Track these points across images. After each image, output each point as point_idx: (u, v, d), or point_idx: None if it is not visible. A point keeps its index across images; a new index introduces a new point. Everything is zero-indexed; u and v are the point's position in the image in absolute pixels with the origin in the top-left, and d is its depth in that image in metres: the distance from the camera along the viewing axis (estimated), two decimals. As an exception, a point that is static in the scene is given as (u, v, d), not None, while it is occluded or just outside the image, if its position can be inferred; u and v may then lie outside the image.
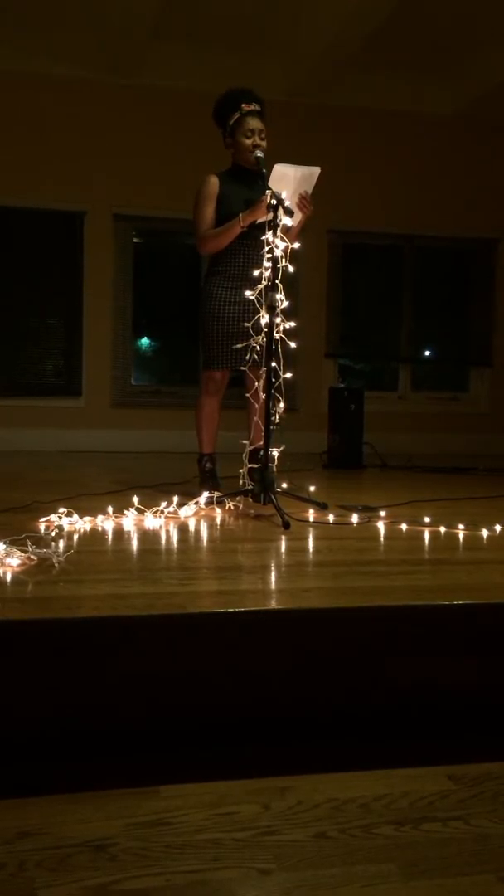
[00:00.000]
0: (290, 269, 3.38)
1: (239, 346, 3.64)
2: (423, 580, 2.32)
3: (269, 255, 3.33)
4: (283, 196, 3.32)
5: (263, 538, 2.96)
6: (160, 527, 3.11)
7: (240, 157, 3.80)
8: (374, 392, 7.31)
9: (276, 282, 3.32)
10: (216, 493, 3.53)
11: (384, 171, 7.52)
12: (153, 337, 7.84)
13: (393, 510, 3.49)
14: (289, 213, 3.29)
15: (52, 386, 7.14)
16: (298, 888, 1.33)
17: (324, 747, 1.83)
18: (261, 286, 3.36)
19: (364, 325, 7.98)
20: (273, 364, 3.30)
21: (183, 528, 3.12)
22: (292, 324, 3.39)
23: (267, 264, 3.34)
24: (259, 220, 3.58)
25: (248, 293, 3.44)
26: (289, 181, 3.42)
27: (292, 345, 3.36)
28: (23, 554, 2.40)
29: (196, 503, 3.41)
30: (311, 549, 2.80)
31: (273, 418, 3.33)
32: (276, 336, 3.33)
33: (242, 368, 3.70)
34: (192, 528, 3.14)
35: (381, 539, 2.97)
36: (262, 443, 3.36)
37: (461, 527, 3.13)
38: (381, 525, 3.21)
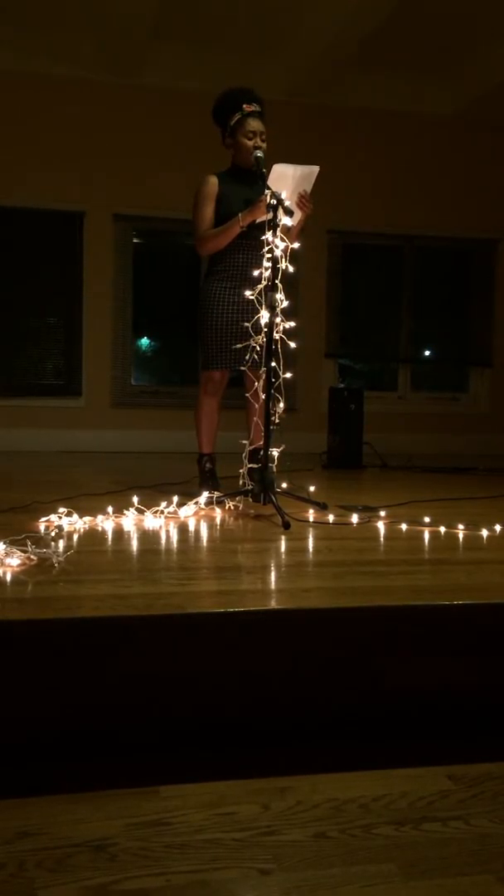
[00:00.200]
0: (290, 269, 3.37)
1: (238, 346, 3.64)
2: (423, 580, 2.31)
3: (269, 255, 3.33)
4: (283, 195, 3.32)
5: (263, 538, 2.96)
6: (160, 527, 3.11)
7: (239, 158, 3.80)
8: (373, 392, 7.32)
9: (276, 282, 3.32)
10: (216, 493, 3.53)
11: (384, 171, 7.53)
12: (153, 337, 7.84)
13: (393, 510, 3.49)
14: (288, 212, 3.29)
15: (51, 386, 7.14)
16: (298, 888, 1.33)
17: (323, 747, 1.83)
18: (260, 286, 3.36)
19: (364, 325, 7.98)
20: (273, 364, 3.30)
21: (183, 529, 3.12)
22: (292, 324, 3.39)
23: (267, 264, 3.34)
24: (259, 220, 3.58)
25: (247, 293, 3.44)
26: (288, 180, 3.42)
27: (292, 345, 3.36)
28: (23, 554, 2.40)
29: (196, 503, 3.41)
30: (310, 549, 2.80)
31: (273, 418, 3.33)
32: (276, 336, 3.33)
33: (242, 368, 3.70)
34: (191, 528, 3.14)
35: (381, 539, 2.97)
36: (261, 443, 3.36)
37: (461, 527, 3.13)
38: (380, 525, 3.21)
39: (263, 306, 3.33)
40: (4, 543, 2.44)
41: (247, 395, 3.80)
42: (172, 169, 6.69)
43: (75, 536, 2.88)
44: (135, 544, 2.80)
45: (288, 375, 3.35)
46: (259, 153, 3.67)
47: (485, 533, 3.05)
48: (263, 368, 3.38)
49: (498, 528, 3.11)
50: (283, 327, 3.36)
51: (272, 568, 2.50)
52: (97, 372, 7.14)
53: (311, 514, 3.37)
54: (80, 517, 3.09)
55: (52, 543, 2.65)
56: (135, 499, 3.34)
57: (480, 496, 4.14)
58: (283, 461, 3.47)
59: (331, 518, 3.35)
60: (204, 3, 6.03)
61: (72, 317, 7.13)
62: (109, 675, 1.81)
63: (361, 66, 6.83)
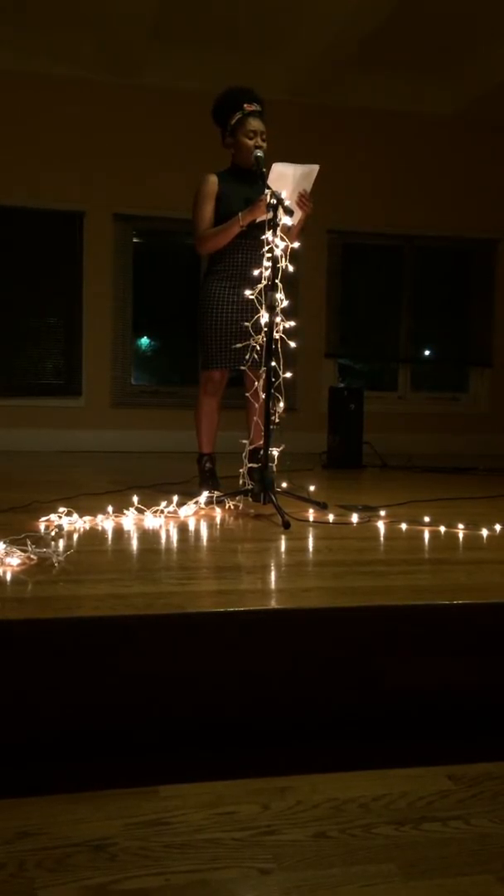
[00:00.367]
0: (290, 268, 3.37)
1: (238, 345, 3.63)
2: (422, 580, 2.31)
3: (269, 255, 3.33)
4: (283, 195, 3.32)
5: (263, 538, 2.96)
6: (160, 526, 3.11)
7: (240, 157, 3.80)
8: (373, 392, 7.32)
9: (276, 281, 3.32)
10: (216, 493, 3.53)
11: (384, 171, 7.53)
12: (153, 337, 7.84)
13: (393, 510, 3.49)
14: (288, 212, 3.28)
15: (51, 386, 7.14)
16: (298, 888, 1.33)
17: (323, 747, 1.83)
18: (260, 286, 3.36)
19: (364, 324, 7.98)
20: (273, 364, 3.30)
21: (183, 528, 3.11)
22: (292, 323, 3.39)
23: (267, 263, 3.33)
24: (259, 219, 3.57)
25: (247, 292, 3.44)
26: (288, 180, 3.41)
27: (292, 344, 3.36)
28: (23, 553, 2.40)
29: (196, 503, 3.41)
30: (310, 548, 2.80)
31: (273, 418, 3.33)
32: (276, 336, 3.33)
33: (242, 368, 3.70)
34: (191, 527, 3.14)
35: (381, 539, 2.97)
36: (261, 442, 3.35)
37: (461, 527, 3.13)
38: (380, 525, 3.21)
39: (263, 306, 3.33)
40: (4, 543, 2.44)
41: (247, 394, 3.80)
42: (172, 169, 6.69)
43: (75, 536, 2.88)
44: (135, 544, 2.80)
45: (288, 375, 3.35)
46: (259, 153, 3.67)
47: (485, 533, 3.05)
48: (263, 368, 3.38)
49: (498, 527, 3.11)
50: (283, 327, 3.36)
51: (272, 567, 2.50)
52: (97, 372, 7.14)
53: (311, 514, 3.37)
54: (80, 517, 3.09)
55: (52, 543, 2.65)
56: (135, 498, 3.34)
57: (480, 496, 4.14)
58: (283, 461, 3.47)
59: (331, 518, 3.35)
60: (204, 3, 6.03)
61: (72, 316, 7.13)
62: (109, 675, 1.81)
63: (361, 66, 6.83)
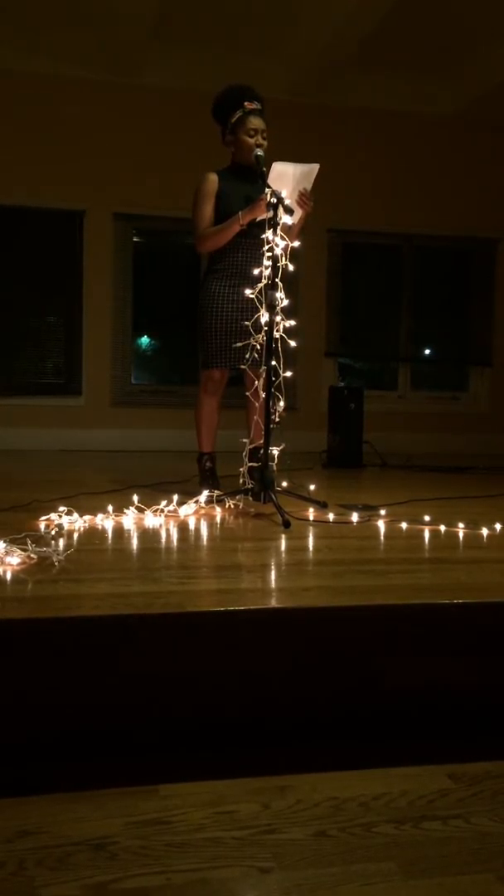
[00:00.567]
0: (290, 267, 3.37)
1: (238, 344, 3.63)
2: (423, 579, 2.31)
3: (269, 254, 3.33)
4: (283, 194, 3.32)
5: (263, 537, 2.96)
6: (160, 525, 3.11)
7: (240, 156, 3.79)
8: (373, 391, 7.32)
9: (276, 280, 3.32)
10: (216, 492, 3.53)
11: (384, 171, 7.53)
12: (153, 336, 7.84)
13: (393, 509, 3.49)
14: (289, 211, 3.28)
15: (51, 385, 7.14)
16: (298, 887, 1.33)
17: (323, 746, 1.83)
18: (261, 285, 3.36)
19: (364, 324, 7.98)
20: (273, 363, 3.30)
21: (183, 527, 3.11)
22: (292, 322, 3.39)
23: (267, 263, 3.33)
24: (259, 218, 3.57)
25: (247, 292, 3.44)
26: (288, 179, 3.41)
27: (292, 344, 3.36)
28: (23, 553, 2.40)
29: (196, 502, 3.41)
30: (311, 547, 2.80)
31: (273, 417, 3.33)
32: (276, 335, 3.32)
33: (242, 367, 3.70)
34: (191, 526, 3.14)
35: (381, 538, 2.97)
36: (261, 441, 3.35)
37: (461, 526, 3.13)
38: (380, 524, 3.21)
39: (263, 305, 3.33)
40: (4, 542, 2.44)
41: (247, 393, 3.80)
42: (172, 168, 6.69)
43: (75, 535, 2.88)
44: (135, 543, 2.80)
45: (288, 374, 3.35)
46: (259, 151, 3.67)
47: (485, 532, 3.05)
48: (263, 367, 3.38)
49: (498, 526, 3.11)
50: (284, 326, 3.36)
51: (272, 566, 2.50)
52: (97, 371, 7.14)
53: (311, 513, 3.37)
54: (80, 516, 3.09)
55: (52, 542, 2.65)
56: (135, 497, 3.34)
57: (480, 495, 4.14)
58: (283, 460, 3.47)
59: (331, 517, 3.35)
60: (204, 2, 6.02)
61: (72, 316, 7.13)
62: (109, 675, 1.81)
63: (361, 65, 6.83)
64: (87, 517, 3.11)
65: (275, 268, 3.32)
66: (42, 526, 2.93)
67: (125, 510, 3.21)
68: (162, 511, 3.23)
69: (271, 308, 3.30)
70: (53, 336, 7.21)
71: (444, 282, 8.13)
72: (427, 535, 3.03)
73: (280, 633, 1.92)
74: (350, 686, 1.93)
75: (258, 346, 3.45)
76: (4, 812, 1.53)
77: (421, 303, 7.94)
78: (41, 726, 1.78)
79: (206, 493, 3.49)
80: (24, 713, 1.77)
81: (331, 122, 7.33)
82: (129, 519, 3.16)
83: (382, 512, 3.36)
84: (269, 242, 3.33)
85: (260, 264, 3.37)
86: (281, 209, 3.28)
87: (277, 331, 3.33)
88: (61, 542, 2.70)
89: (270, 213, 3.32)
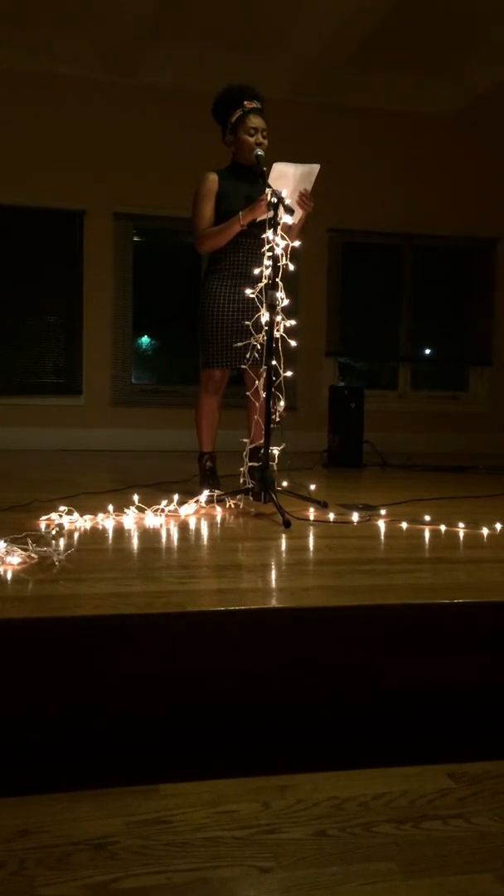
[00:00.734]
0: (291, 267, 3.37)
1: (239, 344, 3.63)
2: (423, 579, 2.31)
3: (270, 254, 3.33)
4: (283, 194, 3.32)
5: (264, 537, 2.96)
6: (160, 525, 3.11)
7: (240, 155, 3.79)
8: (374, 391, 7.32)
9: (277, 280, 3.32)
10: (216, 492, 3.53)
11: (384, 171, 7.52)
12: (153, 336, 7.84)
13: (393, 509, 3.49)
14: (289, 211, 3.28)
15: (52, 385, 7.14)
16: (298, 886, 1.33)
17: (324, 746, 1.83)
18: (261, 284, 3.36)
19: (364, 324, 7.99)
20: (273, 362, 3.30)
21: (183, 527, 3.12)
22: (293, 322, 3.39)
23: (267, 262, 3.33)
24: (259, 219, 3.57)
25: (248, 291, 3.44)
26: (288, 179, 3.41)
27: (293, 343, 3.36)
28: (23, 552, 2.40)
29: (196, 501, 3.41)
30: (311, 547, 2.80)
31: (273, 417, 3.33)
32: (277, 334, 3.33)
33: (243, 367, 3.70)
34: (192, 526, 3.14)
35: (382, 538, 2.97)
36: (262, 441, 3.36)
37: (461, 525, 3.13)
38: (381, 524, 3.21)
39: (264, 305, 3.33)
40: (5, 542, 2.44)
41: (247, 393, 3.80)
42: (172, 167, 6.70)
43: (76, 535, 2.88)
44: (135, 543, 2.80)
45: (288, 374, 3.35)
46: (259, 151, 3.67)
47: (485, 531, 3.05)
48: (264, 367, 3.38)
49: (498, 526, 3.11)
50: (284, 326, 3.36)
51: (272, 566, 2.50)
52: (97, 371, 7.14)
53: (311, 513, 3.37)
54: (81, 515, 3.09)
55: (53, 542, 2.65)
56: (135, 497, 3.34)
57: (480, 495, 4.14)
58: (283, 459, 3.47)
59: (331, 517, 3.35)
60: (204, 2, 6.02)
61: (72, 315, 7.13)
62: (109, 675, 1.81)
63: (361, 65, 6.83)
64: (87, 517, 3.11)
65: (275, 267, 3.32)
66: (42, 525, 2.94)
67: (126, 510, 3.21)
68: (162, 511, 3.23)
69: (272, 308, 3.30)
70: (54, 336, 7.21)
71: (444, 281, 8.13)
72: (427, 534, 3.03)
73: (280, 633, 1.92)
74: (350, 686, 1.93)
75: (258, 346, 3.45)
76: (5, 811, 1.53)
77: (421, 302, 7.94)
78: (41, 726, 1.78)
79: (206, 492, 3.49)
80: (24, 713, 1.77)
81: (331, 121, 7.33)
82: (129, 519, 3.16)
83: (383, 512, 3.36)
84: (269, 242, 3.33)
85: (260, 264, 3.37)
86: (281, 209, 3.28)
87: (278, 330, 3.33)
88: (62, 542, 2.70)
89: (271, 213, 3.32)
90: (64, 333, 7.19)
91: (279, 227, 3.32)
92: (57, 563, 2.36)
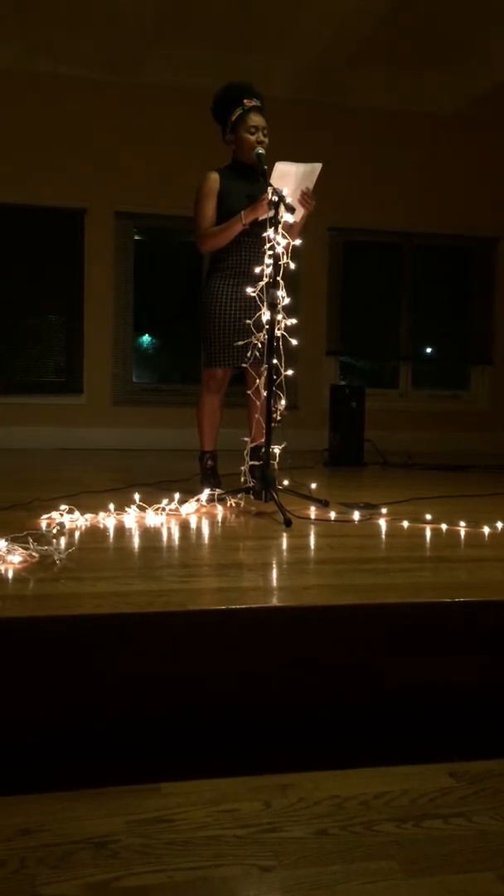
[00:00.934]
0: (292, 266, 3.37)
1: (240, 343, 3.63)
2: (424, 577, 2.31)
3: (271, 252, 3.33)
4: (285, 193, 3.32)
5: (265, 535, 2.96)
6: (161, 524, 3.11)
7: (241, 153, 3.79)
8: (374, 390, 7.32)
9: (278, 279, 3.32)
10: (217, 491, 3.53)
11: (384, 170, 7.52)
12: (154, 335, 7.84)
13: (394, 508, 3.49)
14: (290, 210, 3.28)
15: (53, 384, 7.14)
16: (299, 885, 1.33)
17: (324, 745, 1.83)
18: (262, 283, 3.36)
19: (365, 322, 7.98)
20: (274, 361, 3.30)
21: (184, 526, 3.12)
22: (294, 321, 3.39)
23: (269, 261, 3.33)
24: (261, 218, 3.57)
25: (249, 290, 3.44)
26: (290, 178, 3.41)
27: (294, 342, 3.36)
28: (24, 551, 2.40)
29: (197, 500, 3.41)
30: (312, 546, 2.80)
31: (274, 416, 3.33)
32: (278, 333, 3.32)
33: (244, 366, 3.70)
34: (193, 525, 3.14)
35: (383, 536, 2.97)
36: (263, 440, 3.36)
37: (462, 524, 3.12)
38: (382, 522, 3.21)
39: (265, 303, 3.33)
40: (6, 541, 2.44)
41: (248, 392, 3.80)
42: (173, 166, 6.70)
43: (77, 534, 2.88)
44: (136, 541, 2.80)
45: (289, 373, 3.35)
46: (260, 149, 3.66)
47: (486, 530, 3.05)
48: (265, 366, 3.38)
49: (499, 525, 3.11)
50: (285, 324, 3.36)
51: (273, 565, 2.50)
52: (98, 370, 7.14)
53: (312, 512, 3.37)
54: (82, 514, 3.09)
55: (54, 541, 2.65)
56: (136, 496, 3.34)
57: (481, 493, 4.14)
58: (284, 458, 3.47)
59: (332, 515, 3.35)
60: (204, 2, 6.02)
61: (73, 314, 7.13)
62: (110, 674, 1.81)
63: (361, 64, 6.82)
64: (88, 516, 3.11)
65: (276, 266, 3.32)
66: (43, 524, 2.94)
67: (126, 509, 3.21)
68: (163, 509, 3.23)
69: (273, 306, 3.30)
70: (54, 335, 7.21)
71: (444, 280, 8.12)
72: (428, 533, 3.03)
73: (281, 632, 1.92)
74: (351, 683, 1.93)
75: (259, 345, 3.45)
76: (6, 810, 1.53)
77: (421, 301, 7.93)
78: (41, 726, 1.78)
79: (207, 491, 3.49)
80: (24, 713, 1.77)
81: (331, 121, 7.33)
82: (130, 518, 3.16)
83: (384, 510, 3.36)
84: (270, 241, 3.33)
85: (262, 263, 3.37)
86: (283, 207, 3.28)
87: (279, 329, 3.33)
88: (63, 541, 2.70)
89: (272, 212, 3.32)
90: (65, 332, 7.19)
91: (280, 226, 3.31)
92: (58, 562, 2.36)
